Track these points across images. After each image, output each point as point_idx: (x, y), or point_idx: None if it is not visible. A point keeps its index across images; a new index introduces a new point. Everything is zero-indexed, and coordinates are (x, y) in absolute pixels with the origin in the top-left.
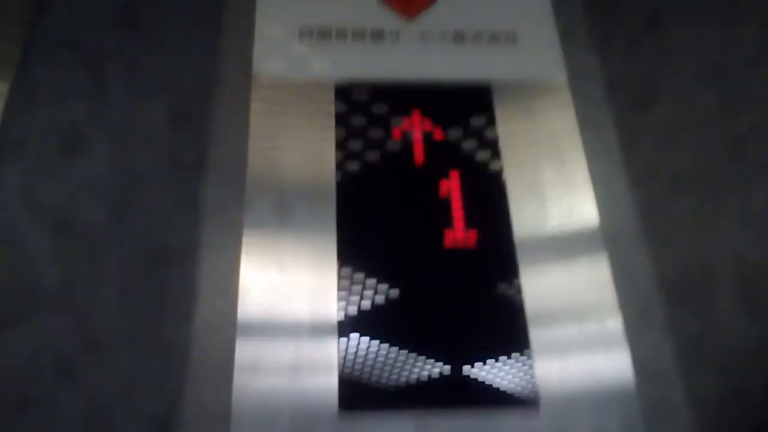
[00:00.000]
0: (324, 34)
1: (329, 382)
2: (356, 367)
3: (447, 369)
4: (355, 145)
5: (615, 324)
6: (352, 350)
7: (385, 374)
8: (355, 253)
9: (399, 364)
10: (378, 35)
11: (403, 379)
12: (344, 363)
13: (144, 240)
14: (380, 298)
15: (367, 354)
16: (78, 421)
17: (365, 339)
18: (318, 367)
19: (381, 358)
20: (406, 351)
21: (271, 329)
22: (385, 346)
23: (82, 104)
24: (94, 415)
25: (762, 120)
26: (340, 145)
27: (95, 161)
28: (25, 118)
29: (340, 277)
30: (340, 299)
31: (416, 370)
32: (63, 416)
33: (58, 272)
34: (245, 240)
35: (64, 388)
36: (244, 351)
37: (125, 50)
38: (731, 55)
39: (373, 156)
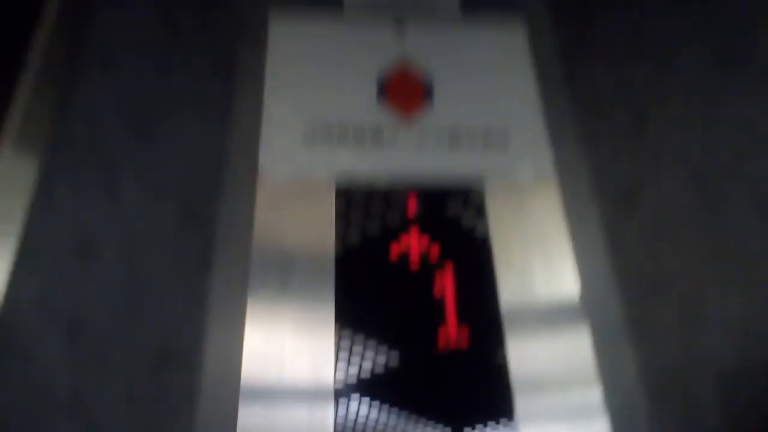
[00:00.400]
0: (327, 134)
1: None
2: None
3: None
4: (354, 240)
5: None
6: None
7: None
8: (353, 349)
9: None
10: (377, 134)
11: None
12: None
13: (151, 340)
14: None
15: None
16: None
17: (362, 410)
18: None
19: (375, 426)
20: (397, 419)
21: (271, 407)
22: (378, 414)
23: (96, 210)
24: None
25: (739, 225)
26: (341, 240)
27: (107, 266)
28: (44, 226)
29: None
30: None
31: None
32: None
33: (69, 378)
34: (248, 329)
35: None
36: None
37: (137, 154)
38: (711, 160)
39: (371, 252)
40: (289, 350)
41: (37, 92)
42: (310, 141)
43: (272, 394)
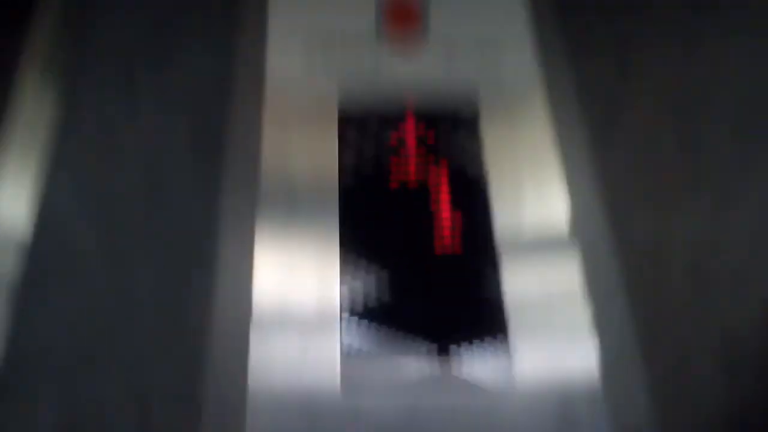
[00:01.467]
0: (328, 55)
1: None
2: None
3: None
4: (355, 155)
5: (582, 318)
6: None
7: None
8: (356, 245)
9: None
10: (376, 53)
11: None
12: (346, 347)
13: (173, 236)
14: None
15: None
16: (118, 381)
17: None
18: (322, 350)
19: (378, 340)
20: (398, 331)
21: (281, 323)
22: (381, 326)
23: (118, 122)
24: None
25: (712, 141)
26: (342, 144)
27: (130, 170)
28: (72, 136)
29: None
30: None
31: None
32: (105, 377)
33: (103, 260)
34: (258, 240)
35: (106, 352)
36: (257, 342)
37: (154, 76)
38: (687, 84)
39: (371, 152)
40: (297, 252)
41: (63, 23)
42: (312, 63)
43: (282, 287)
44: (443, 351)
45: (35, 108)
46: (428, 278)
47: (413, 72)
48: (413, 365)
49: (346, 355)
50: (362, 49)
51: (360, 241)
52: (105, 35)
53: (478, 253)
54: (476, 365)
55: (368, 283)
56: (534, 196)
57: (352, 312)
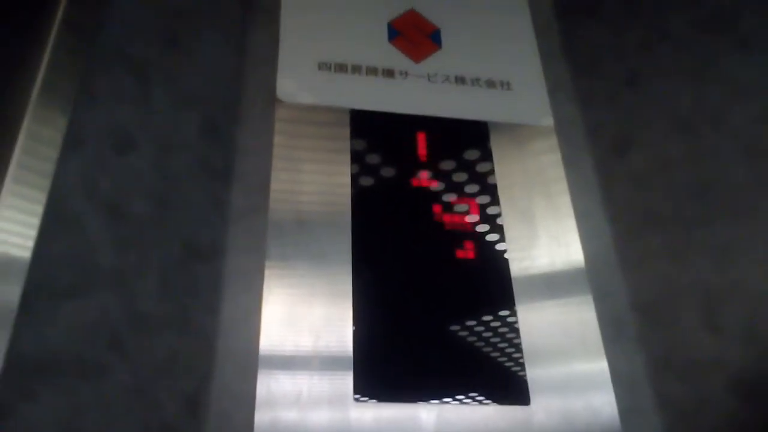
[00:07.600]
0: (340, 68)
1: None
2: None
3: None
4: (367, 165)
5: (595, 338)
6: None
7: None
8: (368, 263)
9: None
10: (388, 73)
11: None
12: (358, 352)
13: (180, 235)
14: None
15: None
16: (125, 388)
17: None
18: (334, 353)
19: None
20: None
21: (291, 327)
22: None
23: (130, 110)
24: (138, 384)
25: (722, 168)
26: (354, 163)
27: (141, 160)
28: (85, 119)
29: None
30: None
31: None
32: (113, 383)
33: (111, 256)
34: (269, 247)
35: (114, 359)
36: (267, 342)
37: (166, 66)
38: (697, 111)
39: (382, 174)
40: (308, 253)
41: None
42: (324, 76)
43: (295, 287)
44: (458, 395)
45: (49, 101)
46: (443, 319)
47: (426, 94)
48: (427, 410)
49: (359, 396)
50: (374, 66)
51: (374, 268)
52: (119, 31)
53: (492, 294)
54: (494, 411)
55: (382, 318)
56: (544, 218)
57: (366, 352)
